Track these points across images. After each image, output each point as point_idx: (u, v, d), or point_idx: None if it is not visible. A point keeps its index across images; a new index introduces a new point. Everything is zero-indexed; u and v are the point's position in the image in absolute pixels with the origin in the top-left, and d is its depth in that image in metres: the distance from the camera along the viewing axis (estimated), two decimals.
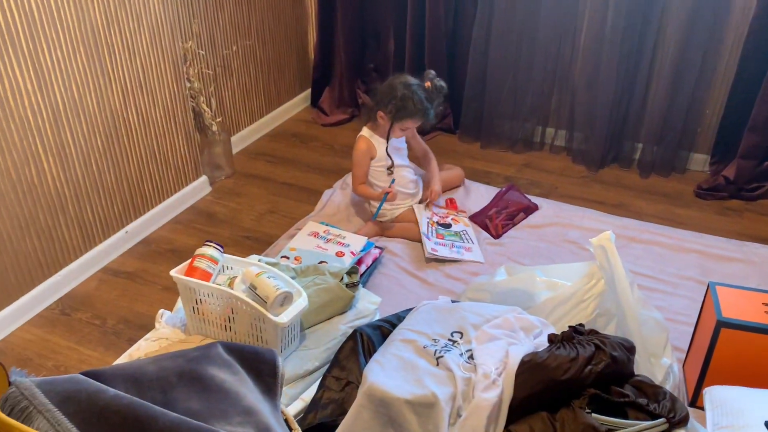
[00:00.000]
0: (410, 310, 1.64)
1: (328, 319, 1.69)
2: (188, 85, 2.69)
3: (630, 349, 1.32)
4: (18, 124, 2.02)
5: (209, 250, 1.60)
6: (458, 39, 3.14)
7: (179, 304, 1.73)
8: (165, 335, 1.61)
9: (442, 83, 2.32)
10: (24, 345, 2.08)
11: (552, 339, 1.33)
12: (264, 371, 1.06)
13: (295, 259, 2.14)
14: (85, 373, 0.95)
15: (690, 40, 2.68)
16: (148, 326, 2.13)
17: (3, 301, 2.11)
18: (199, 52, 2.76)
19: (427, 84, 2.30)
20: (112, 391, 0.89)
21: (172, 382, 0.96)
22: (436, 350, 1.36)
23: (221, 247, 1.62)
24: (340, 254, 2.16)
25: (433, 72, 2.35)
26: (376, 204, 2.39)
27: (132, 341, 2.08)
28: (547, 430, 1.20)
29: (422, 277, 2.21)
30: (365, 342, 1.50)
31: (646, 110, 2.92)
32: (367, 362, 1.43)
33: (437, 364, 1.32)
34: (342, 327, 1.67)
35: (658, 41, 2.76)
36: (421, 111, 2.26)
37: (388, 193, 2.31)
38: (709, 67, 2.74)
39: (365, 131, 2.38)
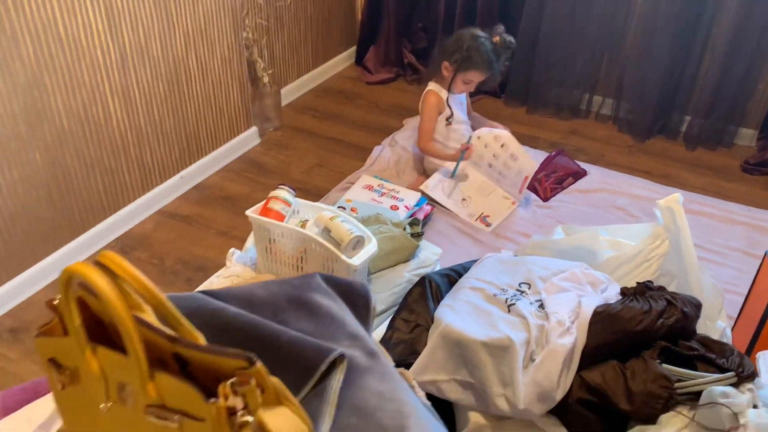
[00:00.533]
0: (473, 262, 1.68)
1: (392, 266, 1.74)
2: (243, 35, 2.71)
3: (698, 306, 1.36)
4: (88, 63, 2.06)
5: (283, 193, 1.64)
6: (511, 1, 3.13)
7: (249, 243, 1.79)
8: (236, 273, 1.66)
9: (512, 39, 2.31)
10: None
11: (625, 292, 1.37)
12: (359, 303, 1.10)
13: (351, 210, 2.18)
14: (202, 292, 1.00)
15: (748, 14, 2.66)
16: (205, 268, 2.19)
17: (67, 236, 2.18)
18: (257, 1, 2.77)
19: (496, 38, 2.30)
20: (232, 309, 0.94)
21: (282, 306, 1.00)
22: (506, 298, 1.40)
23: (294, 190, 1.67)
24: (394, 208, 2.20)
25: (502, 27, 2.35)
26: (437, 161, 2.41)
27: (190, 281, 2.15)
28: (618, 378, 1.24)
29: (473, 235, 2.25)
30: (433, 288, 1.55)
31: (697, 83, 2.91)
32: (436, 307, 1.48)
33: (509, 311, 1.37)
34: (406, 274, 1.71)
35: (715, 14, 2.74)
36: (485, 63, 2.27)
37: (465, 150, 2.28)
38: (765, 42, 2.72)
39: (432, 86, 2.38)
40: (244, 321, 0.92)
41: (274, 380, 0.71)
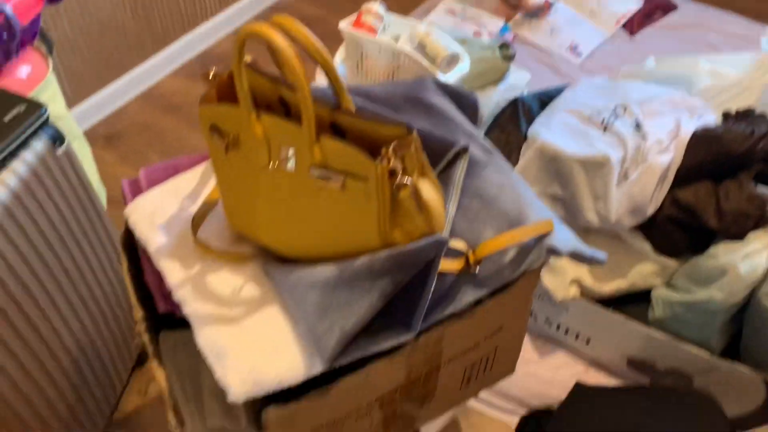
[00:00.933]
0: (565, 86, 1.66)
1: (481, 88, 1.74)
2: None
3: None
4: None
5: (375, 6, 1.62)
6: None
7: (337, 58, 1.79)
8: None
9: None
10: (173, 92, 2.22)
11: (727, 115, 1.36)
12: (467, 108, 1.12)
13: None
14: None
15: None
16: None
17: (150, 50, 2.21)
18: None
19: None
20: (358, 100, 0.97)
21: (399, 103, 1.04)
22: (603, 119, 1.41)
23: (385, 4, 1.64)
24: (477, 34, 2.16)
25: None
26: None
27: None
28: (710, 196, 1.27)
29: (558, 68, 2.21)
30: (525, 109, 1.56)
31: None
32: (527, 128, 1.50)
33: (605, 131, 1.38)
34: (495, 97, 1.71)
35: None
36: None
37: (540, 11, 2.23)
38: None
39: None
40: (373, 110, 0.96)
41: (422, 154, 0.75)
